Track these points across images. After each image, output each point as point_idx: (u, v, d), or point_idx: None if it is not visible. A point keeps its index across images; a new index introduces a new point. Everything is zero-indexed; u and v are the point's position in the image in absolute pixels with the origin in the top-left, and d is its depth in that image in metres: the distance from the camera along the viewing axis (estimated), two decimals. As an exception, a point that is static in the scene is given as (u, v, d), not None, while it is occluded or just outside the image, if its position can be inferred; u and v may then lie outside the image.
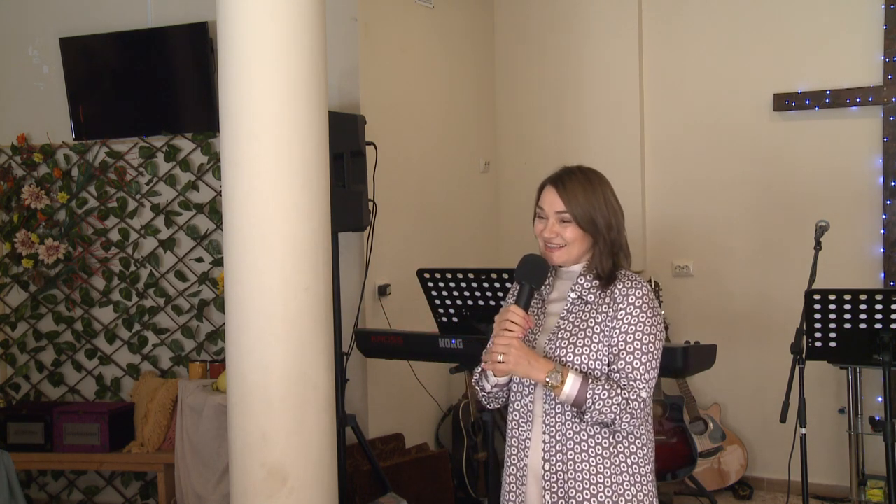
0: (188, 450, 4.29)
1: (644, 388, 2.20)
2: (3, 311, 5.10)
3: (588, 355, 2.23)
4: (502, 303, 3.67)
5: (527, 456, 2.32)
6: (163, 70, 4.80)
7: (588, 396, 2.17)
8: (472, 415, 4.89)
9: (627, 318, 2.22)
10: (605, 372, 2.23)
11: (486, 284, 3.68)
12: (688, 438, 4.69)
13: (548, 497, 2.27)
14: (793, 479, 4.13)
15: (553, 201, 2.31)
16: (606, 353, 2.23)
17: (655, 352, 2.23)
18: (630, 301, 2.23)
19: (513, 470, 2.37)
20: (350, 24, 4.57)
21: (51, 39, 4.99)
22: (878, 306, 3.36)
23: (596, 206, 2.29)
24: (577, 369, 2.23)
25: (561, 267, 2.36)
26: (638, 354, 2.21)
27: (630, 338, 2.22)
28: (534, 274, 2.31)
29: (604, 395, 2.17)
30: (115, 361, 4.98)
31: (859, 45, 4.89)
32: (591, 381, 2.19)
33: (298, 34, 3.17)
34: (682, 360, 3.85)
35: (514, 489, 2.36)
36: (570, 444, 2.25)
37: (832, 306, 3.42)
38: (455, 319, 3.84)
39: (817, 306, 3.44)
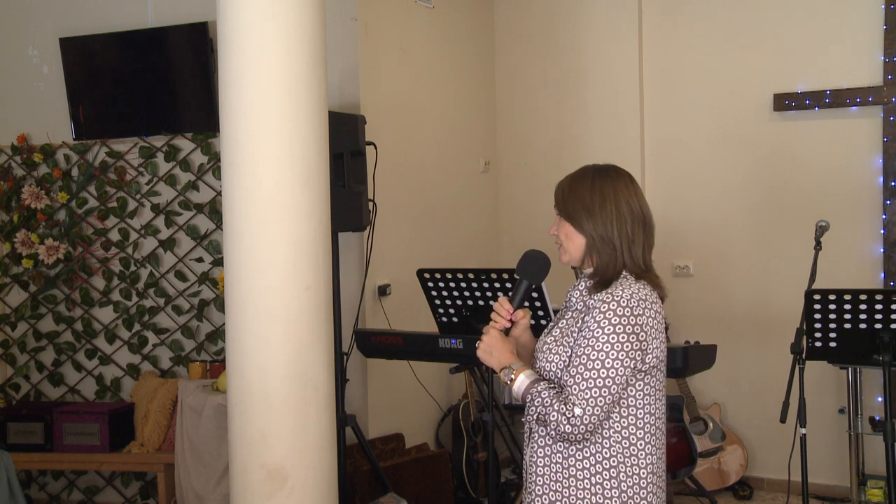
0: (188, 450, 4.29)
1: (579, 405, 2.10)
2: (3, 311, 5.10)
3: (556, 363, 2.21)
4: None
5: (524, 456, 2.36)
6: (163, 70, 4.80)
7: (528, 399, 2.19)
8: (472, 415, 4.89)
9: (585, 332, 2.15)
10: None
11: (486, 284, 3.68)
12: (688, 438, 4.69)
13: (525, 495, 2.31)
14: (793, 479, 4.12)
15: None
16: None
17: (603, 370, 2.11)
18: (594, 315, 2.14)
19: (524, 464, 2.40)
20: (350, 24, 4.57)
21: (51, 39, 4.99)
22: (878, 306, 3.36)
23: (579, 196, 2.24)
24: (537, 371, 2.23)
25: (582, 270, 2.33)
26: (581, 370, 2.12)
27: (580, 352, 2.14)
28: (532, 270, 2.30)
29: (537, 401, 2.16)
30: (115, 361, 4.98)
31: (859, 45, 4.89)
32: (539, 384, 2.18)
33: (298, 34, 3.17)
34: (682, 360, 3.86)
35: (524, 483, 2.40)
36: (534, 447, 2.27)
37: (832, 306, 3.42)
38: (455, 319, 3.84)
39: (817, 306, 3.44)
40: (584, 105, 5.52)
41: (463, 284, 3.73)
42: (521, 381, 2.20)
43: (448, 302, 3.80)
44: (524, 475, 2.36)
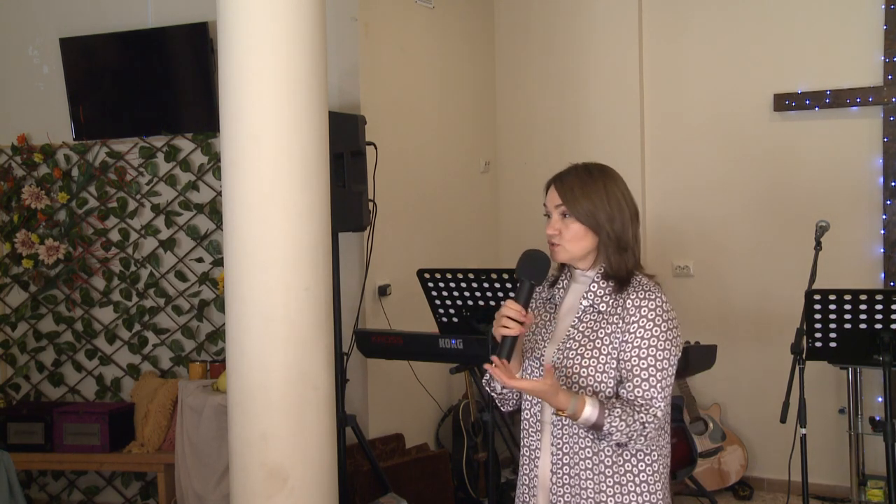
0: (188, 450, 4.29)
1: (660, 406, 2.15)
2: (3, 311, 5.10)
3: (595, 367, 2.17)
4: (502, 303, 3.67)
5: (537, 466, 2.28)
6: (163, 70, 4.80)
7: (605, 426, 2.10)
8: (472, 415, 4.89)
9: (640, 333, 2.16)
10: (612, 385, 2.17)
11: (486, 284, 3.68)
12: (688, 438, 4.68)
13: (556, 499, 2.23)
14: (793, 479, 4.13)
15: (552, 197, 2.28)
16: (614, 367, 2.17)
17: (670, 368, 2.17)
18: (643, 314, 2.16)
19: (525, 480, 2.32)
20: (350, 24, 4.57)
21: (51, 39, 4.99)
22: (878, 306, 3.36)
23: (594, 198, 2.22)
24: (591, 394, 2.16)
25: (576, 270, 2.29)
26: (653, 371, 2.14)
27: (643, 353, 2.15)
28: (534, 270, 2.24)
29: (621, 425, 2.10)
30: (115, 361, 4.98)
31: (859, 45, 4.89)
32: (607, 408, 2.11)
33: (298, 34, 3.17)
34: (682, 360, 3.86)
35: (526, 499, 2.31)
36: (576, 459, 2.21)
37: (832, 306, 3.42)
38: (455, 319, 3.84)
39: (817, 306, 3.44)
40: (585, 105, 5.53)
41: (463, 284, 3.73)
42: (591, 410, 2.11)
43: (448, 302, 3.81)
44: (536, 485, 2.28)
